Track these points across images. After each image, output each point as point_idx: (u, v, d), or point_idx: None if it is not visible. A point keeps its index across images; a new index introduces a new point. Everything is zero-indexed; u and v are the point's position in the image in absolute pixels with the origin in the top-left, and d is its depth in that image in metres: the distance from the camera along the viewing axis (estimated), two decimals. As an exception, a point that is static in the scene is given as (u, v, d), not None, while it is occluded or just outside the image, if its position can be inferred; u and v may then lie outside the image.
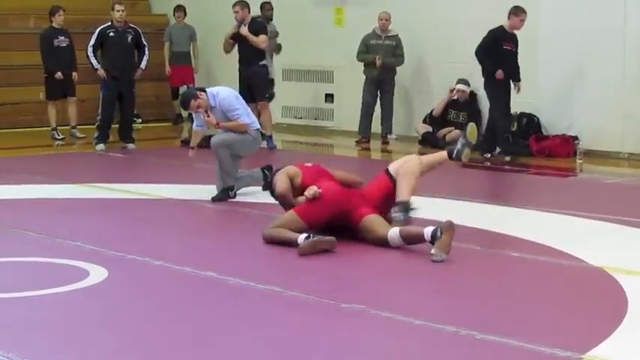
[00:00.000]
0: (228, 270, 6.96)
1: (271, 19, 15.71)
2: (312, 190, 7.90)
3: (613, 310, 6.07)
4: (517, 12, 13.27)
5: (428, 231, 7.50)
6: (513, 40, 13.32)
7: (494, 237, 8.32)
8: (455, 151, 8.46)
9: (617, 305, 6.19)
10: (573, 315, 6.10)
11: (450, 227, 7.42)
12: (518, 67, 13.33)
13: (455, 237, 7.53)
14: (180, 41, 17.61)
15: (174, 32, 17.68)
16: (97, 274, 6.85)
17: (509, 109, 13.55)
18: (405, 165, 8.20)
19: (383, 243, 7.75)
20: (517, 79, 13.32)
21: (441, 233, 7.37)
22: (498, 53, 13.17)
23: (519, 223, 8.83)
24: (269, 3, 15.93)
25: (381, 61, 14.99)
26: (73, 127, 15.55)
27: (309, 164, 8.60)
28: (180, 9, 17.74)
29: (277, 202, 8.35)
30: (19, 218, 8.91)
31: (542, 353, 5.21)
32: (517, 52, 13.32)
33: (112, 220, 9.09)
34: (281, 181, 8.20)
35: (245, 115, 9.95)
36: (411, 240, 7.68)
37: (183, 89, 15.47)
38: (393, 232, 7.73)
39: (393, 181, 8.17)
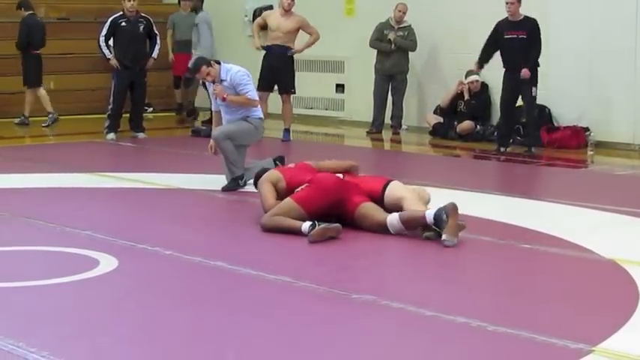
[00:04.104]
0: (238, 260, 6.95)
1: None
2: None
3: (625, 302, 6.04)
4: None
5: (430, 214, 7.50)
6: (517, 29, 13.16)
7: (505, 228, 8.30)
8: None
9: (629, 297, 6.17)
10: (585, 307, 6.07)
11: (454, 210, 7.44)
12: (526, 54, 13.07)
13: (468, 228, 7.52)
14: (184, 29, 17.45)
15: (178, 20, 17.54)
16: (107, 263, 6.84)
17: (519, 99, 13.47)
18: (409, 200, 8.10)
19: (381, 229, 7.76)
20: (525, 66, 13.12)
21: (447, 217, 7.37)
22: (500, 43, 13.14)
23: (530, 215, 8.81)
24: None
25: (395, 37, 14.99)
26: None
27: (292, 165, 8.67)
28: None
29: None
30: (29, 207, 8.91)
31: (553, 345, 5.19)
32: (525, 39, 13.04)
33: (122, 210, 9.09)
34: (267, 198, 8.17)
35: (254, 92, 9.99)
36: (412, 224, 7.68)
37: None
38: (393, 217, 7.73)
39: (382, 194, 8.08)
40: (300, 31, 14.14)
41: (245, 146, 10.11)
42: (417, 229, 7.70)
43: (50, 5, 17.57)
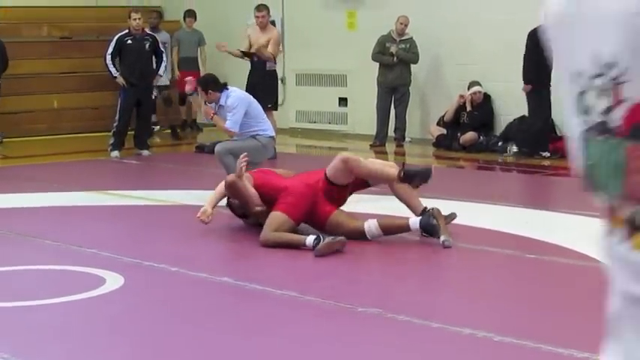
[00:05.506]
0: (244, 275, 6.96)
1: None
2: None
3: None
4: None
5: (415, 222, 7.61)
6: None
7: (511, 239, 8.29)
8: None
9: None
10: (592, 316, 6.04)
11: (439, 212, 7.61)
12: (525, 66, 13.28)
13: (473, 239, 7.55)
14: (189, 46, 17.52)
15: (183, 37, 17.61)
16: (113, 281, 6.85)
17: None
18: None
19: (358, 235, 7.83)
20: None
21: (437, 220, 7.47)
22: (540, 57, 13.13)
23: (536, 225, 8.80)
24: (155, 11, 16.40)
25: (397, 49, 15.01)
26: None
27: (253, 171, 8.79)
28: (190, 14, 17.70)
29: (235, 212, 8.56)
30: (35, 226, 8.92)
31: (559, 354, 5.19)
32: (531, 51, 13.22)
33: (128, 227, 9.11)
34: (249, 192, 8.17)
35: (236, 123, 10.04)
36: (392, 231, 7.82)
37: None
38: (371, 224, 7.81)
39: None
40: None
41: (254, 164, 10.07)
42: (395, 234, 7.80)
43: (52, 24, 17.61)
